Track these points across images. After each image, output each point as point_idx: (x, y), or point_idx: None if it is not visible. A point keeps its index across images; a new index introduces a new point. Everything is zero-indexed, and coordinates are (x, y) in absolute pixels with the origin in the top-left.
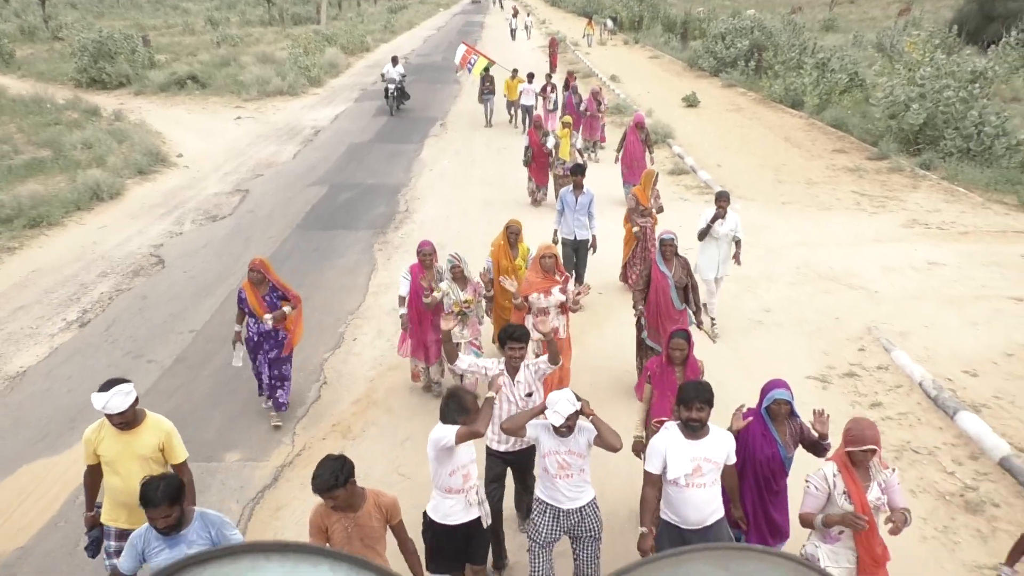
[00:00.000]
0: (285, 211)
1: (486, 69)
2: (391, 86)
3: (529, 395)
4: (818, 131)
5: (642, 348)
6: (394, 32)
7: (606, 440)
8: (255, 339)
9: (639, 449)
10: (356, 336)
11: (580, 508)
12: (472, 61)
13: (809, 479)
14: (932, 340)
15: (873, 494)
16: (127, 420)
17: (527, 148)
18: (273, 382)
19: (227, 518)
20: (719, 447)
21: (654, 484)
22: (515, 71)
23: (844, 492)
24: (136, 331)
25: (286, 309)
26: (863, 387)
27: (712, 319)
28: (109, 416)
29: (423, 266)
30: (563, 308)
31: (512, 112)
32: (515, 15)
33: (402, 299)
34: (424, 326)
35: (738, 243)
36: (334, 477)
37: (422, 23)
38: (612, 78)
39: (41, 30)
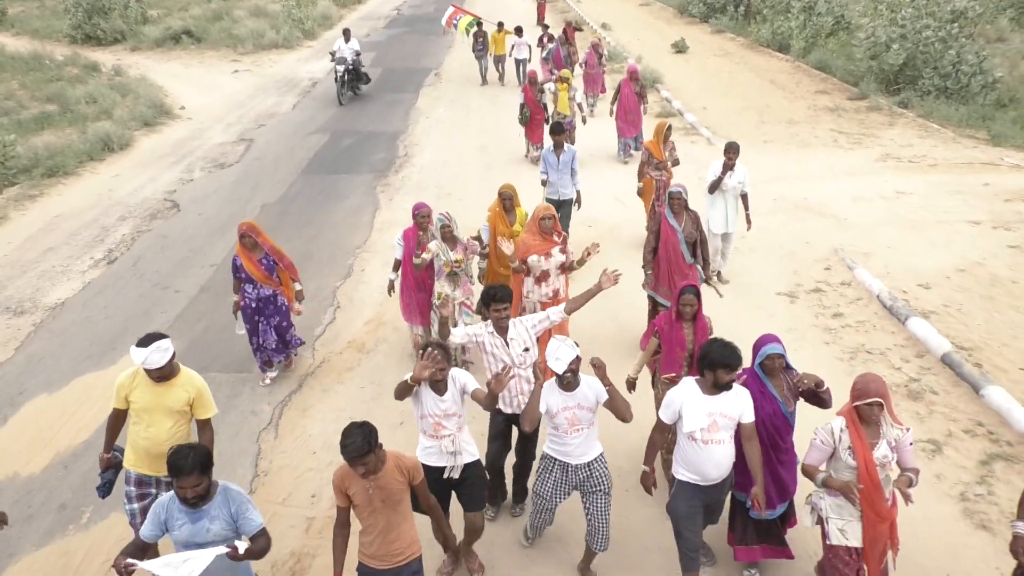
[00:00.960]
0: (290, 158)
1: (474, 24)
2: (341, 68)
3: (526, 350)
4: (803, 74)
5: (654, 305)
6: None
7: (618, 407)
8: (253, 305)
9: (630, 386)
10: (364, 267)
11: (589, 463)
12: (457, 20)
13: (816, 432)
14: (893, 259)
15: (881, 451)
16: (164, 374)
17: (522, 105)
18: (281, 346)
19: (248, 496)
20: (735, 402)
21: (663, 430)
22: (500, 24)
23: (849, 448)
24: (160, 266)
25: (297, 287)
26: (827, 301)
27: (718, 272)
28: (148, 370)
29: (419, 228)
30: (563, 269)
31: (500, 68)
32: None
33: (397, 262)
34: (424, 290)
35: (745, 198)
36: (366, 443)
37: None
38: (603, 26)
39: None
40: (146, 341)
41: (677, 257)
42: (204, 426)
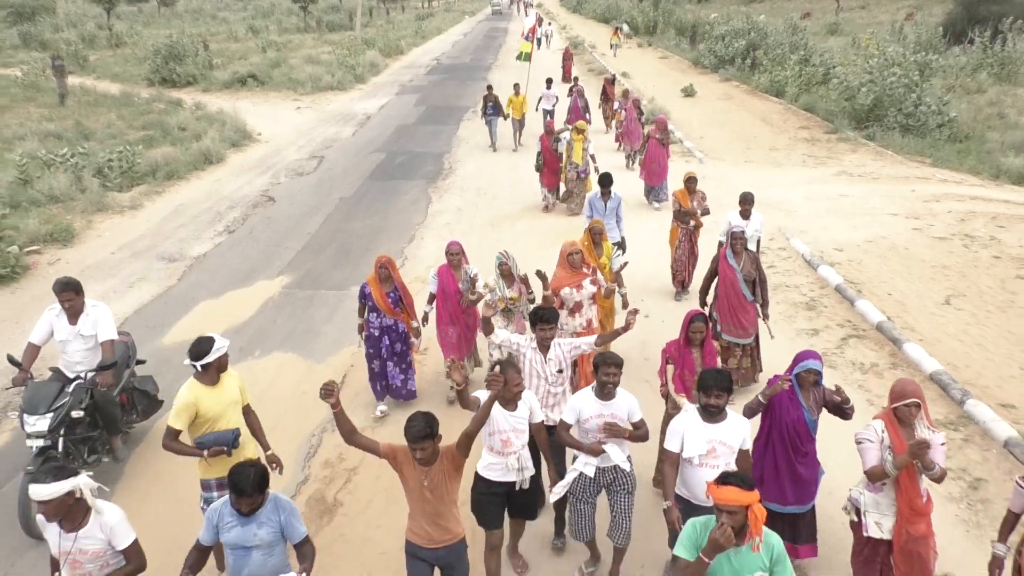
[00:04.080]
0: (356, 169)
1: (526, 57)
2: (35, 446)
3: (559, 371)
4: (791, 114)
5: (716, 338)
6: (424, 37)
7: (637, 440)
8: (376, 333)
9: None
10: (423, 236)
11: (615, 466)
12: (527, 37)
13: (860, 436)
14: (822, 235)
15: None
16: (223, 366)
17: (539, 154)
18: (400, 374)
19: (296, 507)
20: (735, 432)
21: (672, 462)
22: (517, 86)
23: (889, 446)
24: (270, 234)
25: (414, 323)
26: (765, 259)
27: None
28: (206, 367)
29: (451, 266)
30: (594, 299)
31: (518, 134)
32: (539, 23)
33: (431, 295)
34: (456, 324)
35: (758, 243)
36: (428, 426)
37: (449, 29)
38: (623, 75)
39: (99, 39)
40: (197, 344)
41: (737, 295)
42: (249, 411)
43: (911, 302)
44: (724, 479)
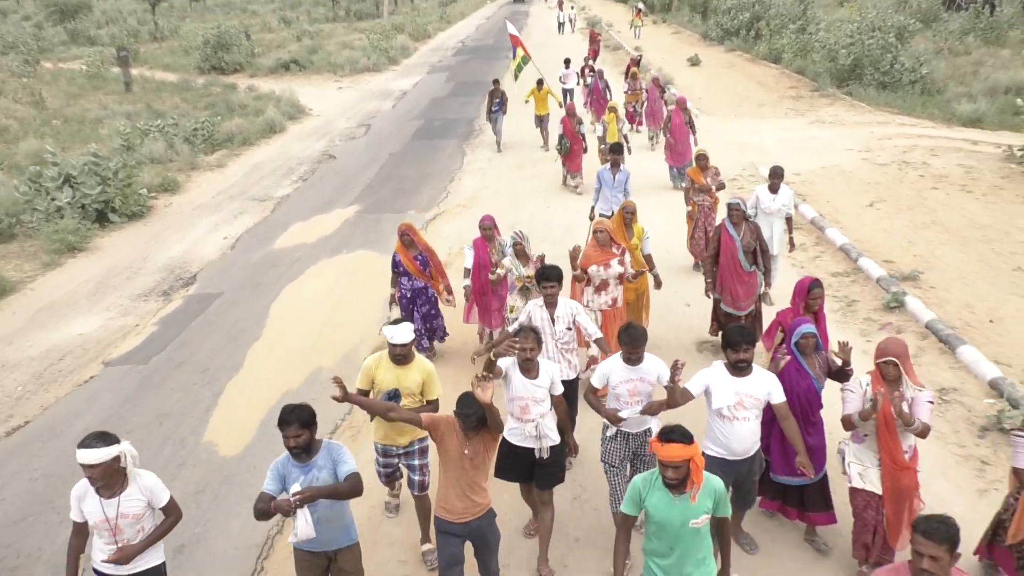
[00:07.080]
0: (399, 132)
1: (522, 67)
2: None
3: (568, 329)
4: (785, 77)
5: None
6: (449, 22)
7: (675, 398)
8: (408, 295)
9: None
10: (461, 178)
11: (644, 431)
12: (513, 54)
13: (845, 387)
14: (786, 165)
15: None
16: (405, 353)
17: (561, 136)
18: (427, 334)
19: (346, 448)
20: (760, 385)
21: (685, 398)
22: (540, 81)
23: (871, 400)
24: (336, 180)
25: (442, 287)
26: (736, 185)
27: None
28: (393, 346)
29: (485, 239)
30: (621, 279)
31: (543, 131)
32: (560, 7)
33: (467, 271)
34: (488, 295)
35: (789, 221)
36: (480, 421)
37: (473, 13)
38: (636, 48)
39: (142, 33)
40: (396, 323)
41: (735, 265)
42: (434, 406)
43: (843, 206)
44: (667, 436)
